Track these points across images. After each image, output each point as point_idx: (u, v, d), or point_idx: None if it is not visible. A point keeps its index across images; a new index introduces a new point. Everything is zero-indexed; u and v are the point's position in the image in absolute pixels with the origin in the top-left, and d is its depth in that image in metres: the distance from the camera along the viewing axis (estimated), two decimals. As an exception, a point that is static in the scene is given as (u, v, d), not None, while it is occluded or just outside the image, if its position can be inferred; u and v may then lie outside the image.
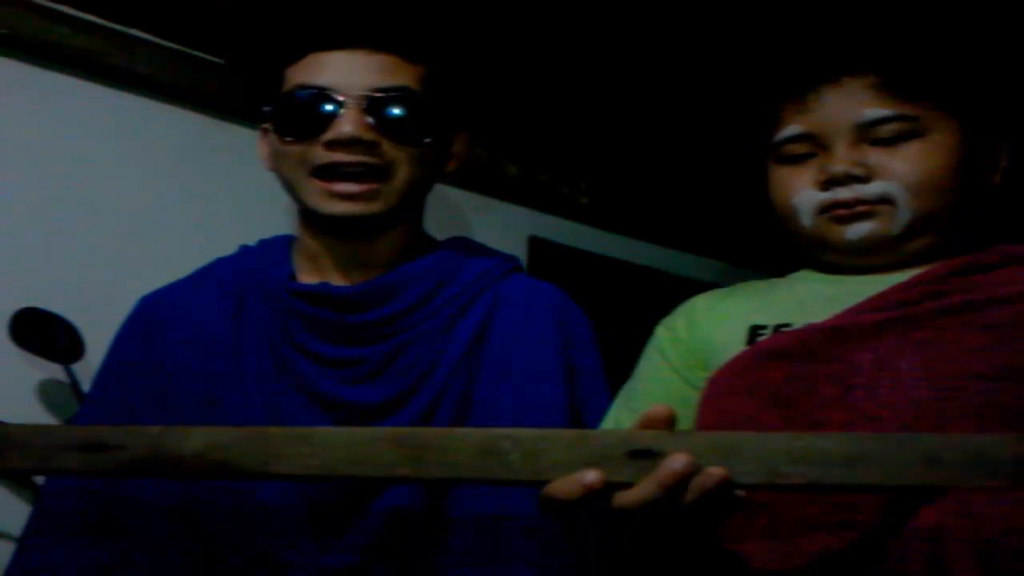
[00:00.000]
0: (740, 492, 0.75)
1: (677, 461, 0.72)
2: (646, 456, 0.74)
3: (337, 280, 1.17)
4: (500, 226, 1.94)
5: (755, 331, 1.03)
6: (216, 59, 1.63)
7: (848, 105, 1.03)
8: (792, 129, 1.06)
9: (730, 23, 1.80)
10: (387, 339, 1.12)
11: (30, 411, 1.40)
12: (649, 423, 0.77)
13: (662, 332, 1.13)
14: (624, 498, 0.74)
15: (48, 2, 1.49)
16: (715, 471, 0.72)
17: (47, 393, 1.43)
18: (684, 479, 0.72)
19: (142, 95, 1.57)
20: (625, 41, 1.89)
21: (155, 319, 1.18)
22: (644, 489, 0.73)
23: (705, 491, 0.72)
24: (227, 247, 1.27)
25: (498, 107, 1.89)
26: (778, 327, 1.01)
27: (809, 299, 1.05)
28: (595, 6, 1.80)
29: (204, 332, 1.15)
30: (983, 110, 1.06)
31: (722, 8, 1.79)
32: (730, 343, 1.03)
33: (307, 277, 1.19)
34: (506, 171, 1.98)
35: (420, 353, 1.12)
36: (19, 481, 1.35)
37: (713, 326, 1.08)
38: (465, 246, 1.26)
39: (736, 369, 0.98)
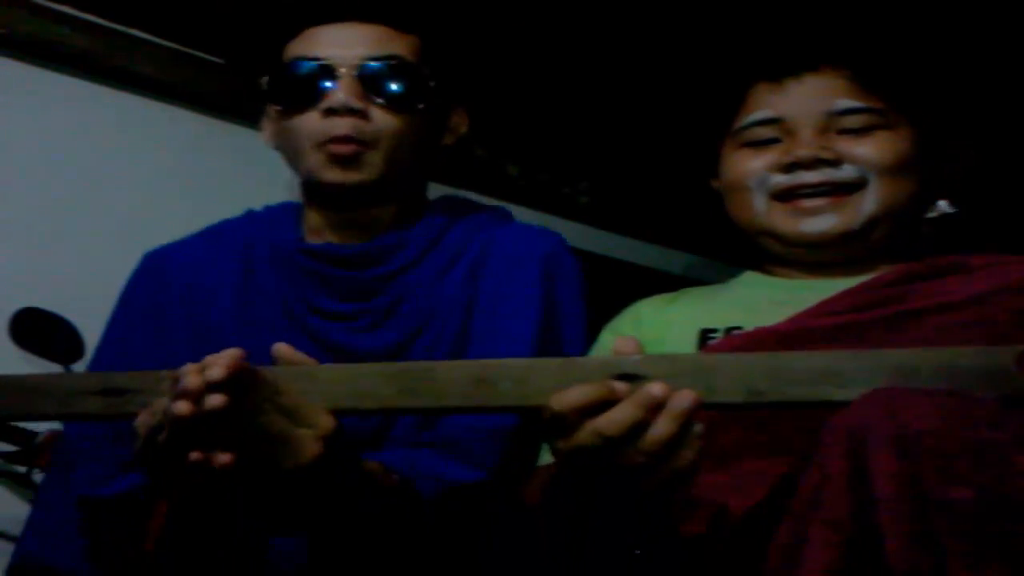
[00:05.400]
0: (699, 427, 0.76)
1: (655, 387, 0.75)
2: (631, 380, 0.77)
3: (342, 241, 1.20)
4: (500, 226, 1.94)
5: (705, 334, 1.03)
6: (216, 59, 1.63)
7: (821, 93, 1.04)
8: (761, 113, 1.07)
9: (727, 18, 1.80)
10: (387, 292, 1.16)
11: (30, 411, 1.41)
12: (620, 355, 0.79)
13: (607, 337, 1.14)
14: (605, 421, 0.75)
15: (48, 2, 1.49)
16: (688, 393, 0.75)
17: (47, 393, 1.43)
18: (660, 403, 0.75)
19: (142, 95, 1.58)
20: (625, 41, 1.89)
21: (162, 273, 1.21)
22: (624, 408, 0.75)
23: (679, 416, 0.74)
24: (227, 247, 1.27)
25: (498, 107, 1.89)
26: (729, 330, 1.02)
27: (758, 302, 1.06)
28: (595, 6, 1.80)
29: (215, 285, 1.18)
30: (949, 112, 1.07)
31: (722, 7, 1.79)
32: (680, 346, 1.03)
33: (313, 239, 1.22)
34: (506, 171, 1.98)
35: (419, 301, 1.16)
36: (18, 481, 1.35)
37: (661, 330, 1.08)
38: (461, 202, 1.30)
39: None
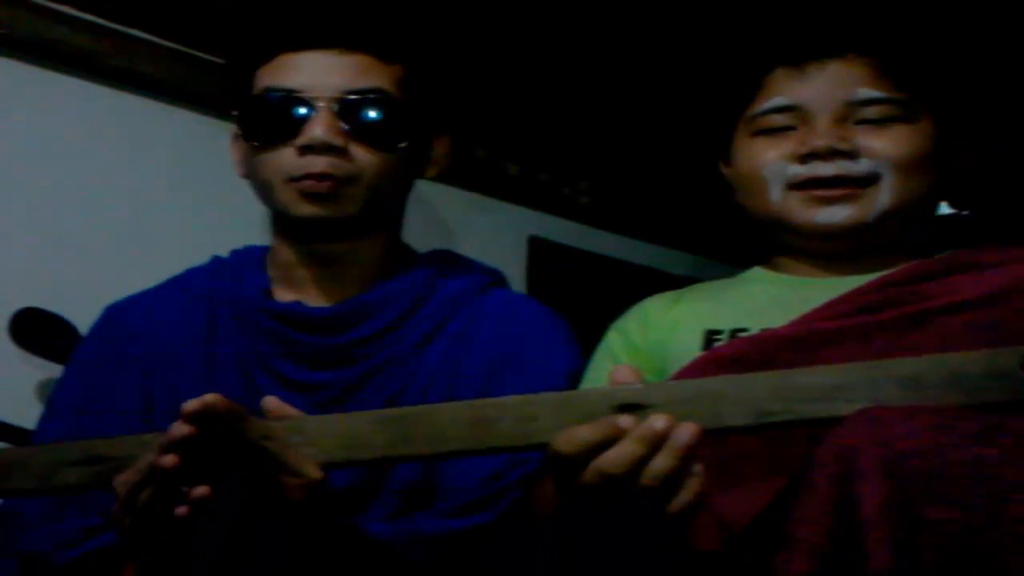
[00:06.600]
0: (698, 469, 0.75)
1: (658, 420, 0.73)
2: (633, 410, 0.75)
3: (312, 296, 1.14)
4: (500, 226, 1.94)
5: (711, 336, 1.02)
6: (216, 59, 1.63)
7: (842, 81, 1.03)
8: (778, 100, 1.05)
9: (748, 5, 1.78)
10: (357, 363, 1.09)
11: (30, 411, 1.40)
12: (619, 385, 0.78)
13: (614, 336, 1.12)
14: (607, 461, 0.74)
15: (48, 2, 1.49)
16: (689, 426, 0.73)
17: (47, 393, 1.43)
18: (663, 437, 0.73)
19: (142, 95, 1.57)
20: (625, 40, 1.88)
21: (122, 330, 1.16)
22: (626, 446, 0.74)
23: (680, 450, 0.73)
24: (226, 248, 1.27)
25: (498, 107, 1.89)
26: (734, 332, 1.01)
27: (764, 303, 1.04)
28: (595, 5, 1.80)
29: (174, 346, 1.12)
30: (970, 107, 1.07)
31: (725, 6, 1.78)
32: (686, 347, 1.02)
33: (282, 292, 1.15)
34: (506, 171, 1.98)
35: (389, 377, 1.09)
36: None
37: (667, 330, 1.07)
38: (445, 261, 1.21)
39: (692, 374, 0.96)
